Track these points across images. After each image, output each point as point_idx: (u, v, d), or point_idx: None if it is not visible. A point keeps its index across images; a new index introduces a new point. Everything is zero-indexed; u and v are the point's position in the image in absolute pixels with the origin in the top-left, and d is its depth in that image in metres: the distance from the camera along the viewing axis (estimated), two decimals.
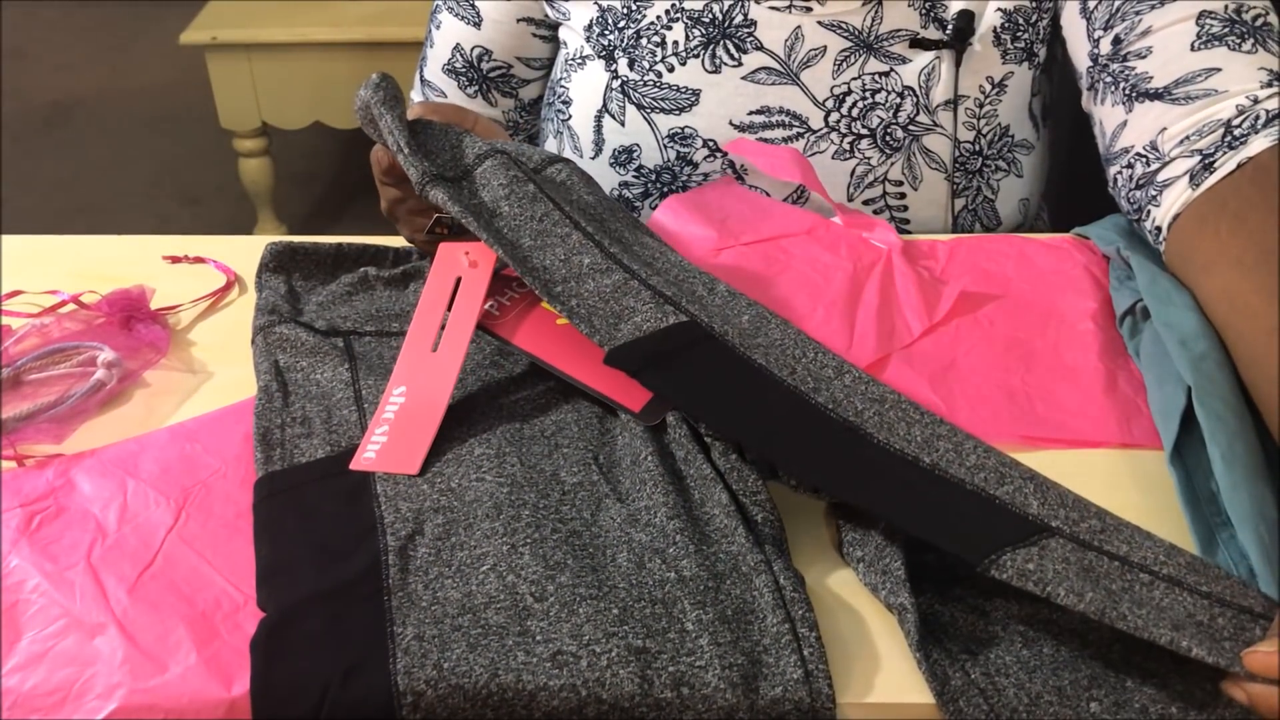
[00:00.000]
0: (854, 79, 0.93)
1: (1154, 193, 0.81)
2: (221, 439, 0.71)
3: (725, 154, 0.96)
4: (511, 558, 0.60)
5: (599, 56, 0.97)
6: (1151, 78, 0.83)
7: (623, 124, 0.97)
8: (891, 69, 0.93)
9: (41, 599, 0.60)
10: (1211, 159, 0.78)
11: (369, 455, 0.66)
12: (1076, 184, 1.13)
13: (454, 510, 0.64)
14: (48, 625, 0.59)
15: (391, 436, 0.67)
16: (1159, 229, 0.81)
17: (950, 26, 0.92)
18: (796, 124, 0.94)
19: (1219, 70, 0.81)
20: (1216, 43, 0.82)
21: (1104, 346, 0.78)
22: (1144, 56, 0.84)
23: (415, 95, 1.06)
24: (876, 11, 0.92)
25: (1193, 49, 0.82)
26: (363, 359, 0.76)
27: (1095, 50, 0.88)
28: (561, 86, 1.01)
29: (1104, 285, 0.83)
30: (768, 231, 0.88)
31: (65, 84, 2.97)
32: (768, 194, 0.96)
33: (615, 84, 0.96)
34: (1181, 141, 0.81)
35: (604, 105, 0.97)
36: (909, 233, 0.98)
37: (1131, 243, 0.85)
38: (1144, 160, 0.83)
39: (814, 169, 0.92)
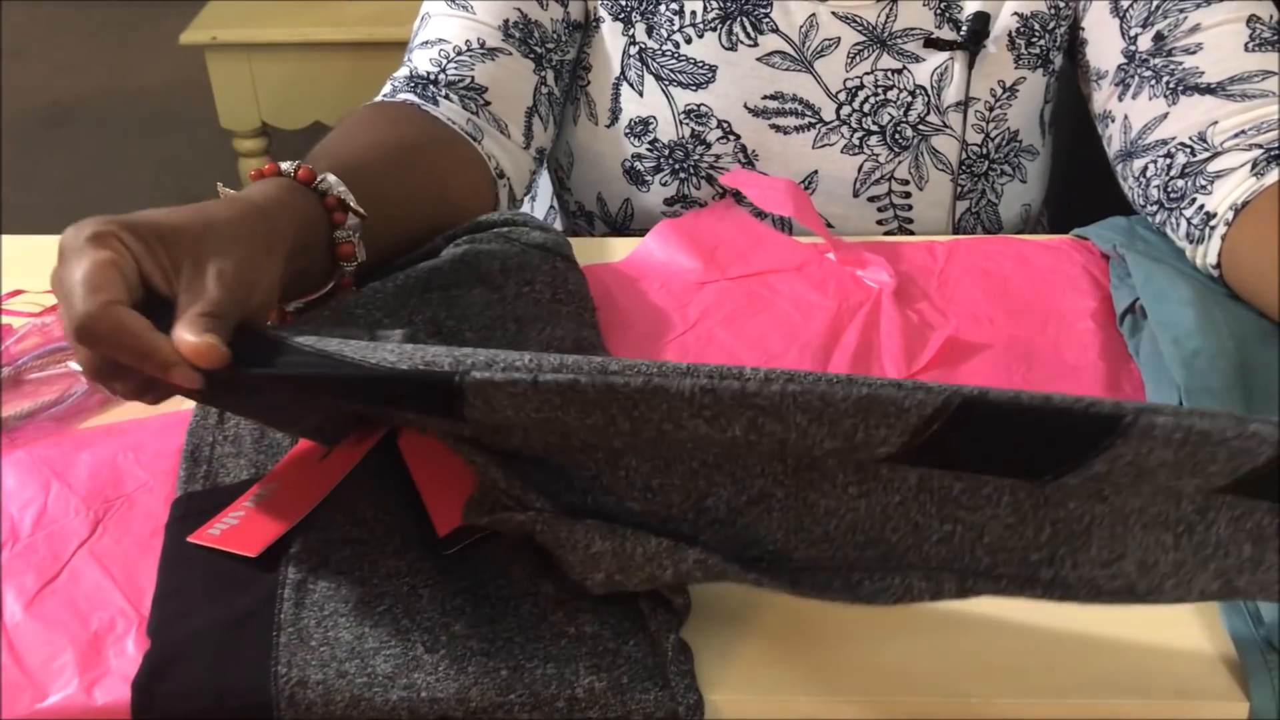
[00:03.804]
0: (867, 74, 0.93)
1: (1203, 182, 0.82)
2: (158, 448, 0.69)
3: (738, 137, 0.95)
4: (410, 600, 0.58)
5: (615, 19, 0.96)
6: (1202, 73, 0.84)
7: (641, 94, 0.96)
8: (904, 67, 0.93)
9: None
10: (1276, 152, 0.79)
11: (213, 532, 0.63)
12: (1077, 189, 1.13)
13: (363, 543, 0.61)
14: None
15: (243, 521, 0.64)
16: (1210, 215, 0.81)
17: (965, 28, 0.92)
18: (809, 113, 0.94)
19: (1275, 74, 0.82)
20: (1270, 47, 0.83)
21: (1104, 345, 0.78)
22: (1192, 52, 0.85)
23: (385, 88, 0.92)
24: (891, 8, 0.92)
25: (1246, 49, 0.83)
26: None
27: (1132, 47, 0.88)
28: (583, 52, 0.99)
29: (1103, 285, 0.83)
30: (757, 265, 0.86)
31: (65, 84, 2.97)
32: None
33: (633, 50, 0.96)
34: (1236, 135, 0.81)
35: (622, 72, 0.97)
36: (912, 233, 0.98)
37: (1130, 241, 0.85)
38: (1188, 150, 0.83)
39: (810, 202, 0.90)
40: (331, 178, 0.71)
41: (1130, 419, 0.47)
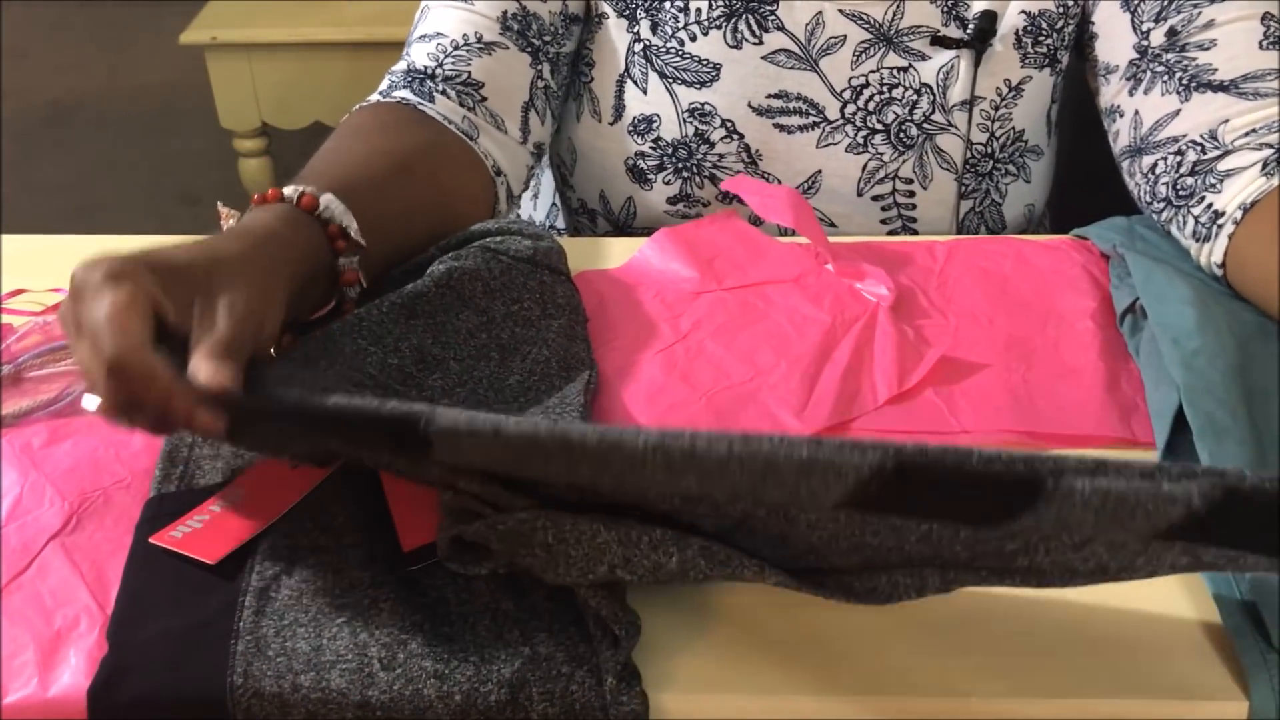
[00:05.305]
0: (872, 72, 0.93)
1: (1213, 180, 0.82)
2: (141, 444, 0.69)
3: (741, 136, 0.95)
4: (370, 613, 0.57)
5: (619, 15, 0.96)
6: (1216, 70, 0.84)
7: (645, 91, 0.96)
8: (910, 65, 0.93)
9: None
10: None
11: (175, 535, 0.62)
12: (1078, 189, 1.13)
13: (329, 551, 0.61)
14: None
15: (207, 525, 0.63)
16: (1219, 213, 0.81)
17: (972, 26, 0.92)
18: (813, 112, 0.94)
19: None
20: None
21: (1104, 345, 0.78)
22: (1206, 49, 0.85)
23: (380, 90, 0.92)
24: (898, 6, 0.91)
25: (1261, 47, 0.83)
26: None
27: (1144, 42, 0.89)
28: (585, 48, 0.99)
29: (1103, 285, 0.84)
30: (754, 276, 0.85)
31: (65, 84, 2.97)
32: (779, 180, 0.96)
33: (638, 47, 0.95)
34: (1247, 134, 0.82)
35: (626, 70, 0.97)
36: (915, 232, 0.98)
37: (1130, 241, 0.85)
38: (1199, 148, 0.84)
39: (812, 212, 0.90)
40: (335, 205, 0.71)
41: (1052, 484, 0.48)
